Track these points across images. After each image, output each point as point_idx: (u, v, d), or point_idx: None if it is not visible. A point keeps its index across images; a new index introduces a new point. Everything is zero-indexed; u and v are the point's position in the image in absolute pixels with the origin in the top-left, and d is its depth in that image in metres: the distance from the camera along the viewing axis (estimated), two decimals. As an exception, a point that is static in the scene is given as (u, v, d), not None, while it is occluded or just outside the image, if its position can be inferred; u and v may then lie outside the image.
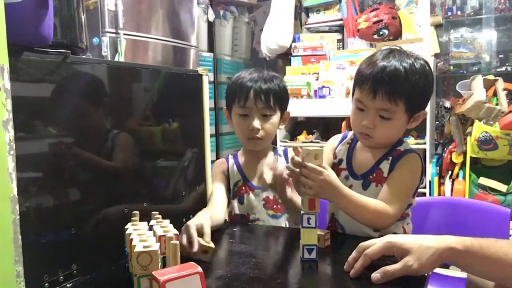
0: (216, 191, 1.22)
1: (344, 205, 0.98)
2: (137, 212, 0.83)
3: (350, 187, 1.03)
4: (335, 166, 1.13)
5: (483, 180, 2.57)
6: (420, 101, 1.03)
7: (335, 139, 1.19)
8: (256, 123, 1.17)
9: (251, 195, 1.21)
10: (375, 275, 0.76)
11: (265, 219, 1.21)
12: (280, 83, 1.22)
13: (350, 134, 1.15)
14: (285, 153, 1.27)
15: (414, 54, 1.04)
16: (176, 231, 0.76)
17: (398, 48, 1.06)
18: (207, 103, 1.20)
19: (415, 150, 1.08)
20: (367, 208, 0.98)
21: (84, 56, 0.87)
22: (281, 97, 1.21)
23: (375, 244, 0.79)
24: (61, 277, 0.77)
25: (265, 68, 1.30)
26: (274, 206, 1.21)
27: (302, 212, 0.88)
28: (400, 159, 1.04)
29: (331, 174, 0.92)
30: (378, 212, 0.98)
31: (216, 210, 1.13)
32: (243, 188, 1.22)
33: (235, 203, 1.23)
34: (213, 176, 1.26)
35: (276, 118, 1.21)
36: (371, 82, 0.98)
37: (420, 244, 0.76)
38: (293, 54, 3.08)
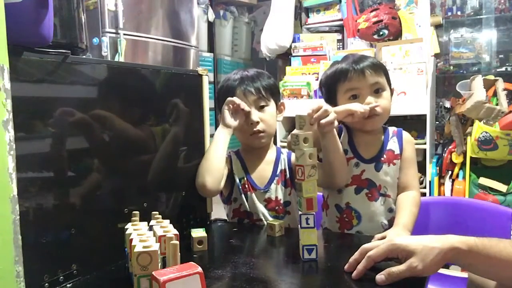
0: None
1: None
2: (137, 212, 0.83)
3: (363, 171, 1.14)
4: None
5: (483, 180, 2.57)
6: (389, 76, 1.19)
7: None
8: (254, 115, 1.18)
9: (254, 195, 1.20)
10: (380, 277, 0.75)
11: (267, 220, 1.20)
12: (267, 77, 1.23)
13: (344, 129, 1.21)
14: (289, 155, 1.26)
15: None
16: (176, 231, 0.76)
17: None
18: (207, 103, 1.20)
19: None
20: (415, 210, 1.11)
21: (84, 56, 0.87)
22: (271, 87, 1.22)
23: (378, 246, 0.78)
24: (61, 277, 0.77)
25: (265, 68, 1.30)
26: (276, 208, 1.21)
27: (300, 212, 0.88)
28: (402, 137, 1.19)
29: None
30: (419, 204, 1.14)
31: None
32: (246, 186, 1.21)
33: (244, 200, 1.20)
34: None
35: (272, 108, 1.22)
36: (354, 68, 1.12)
37: (424, 245, 0.75)
38: (293, 54, 3.07)
